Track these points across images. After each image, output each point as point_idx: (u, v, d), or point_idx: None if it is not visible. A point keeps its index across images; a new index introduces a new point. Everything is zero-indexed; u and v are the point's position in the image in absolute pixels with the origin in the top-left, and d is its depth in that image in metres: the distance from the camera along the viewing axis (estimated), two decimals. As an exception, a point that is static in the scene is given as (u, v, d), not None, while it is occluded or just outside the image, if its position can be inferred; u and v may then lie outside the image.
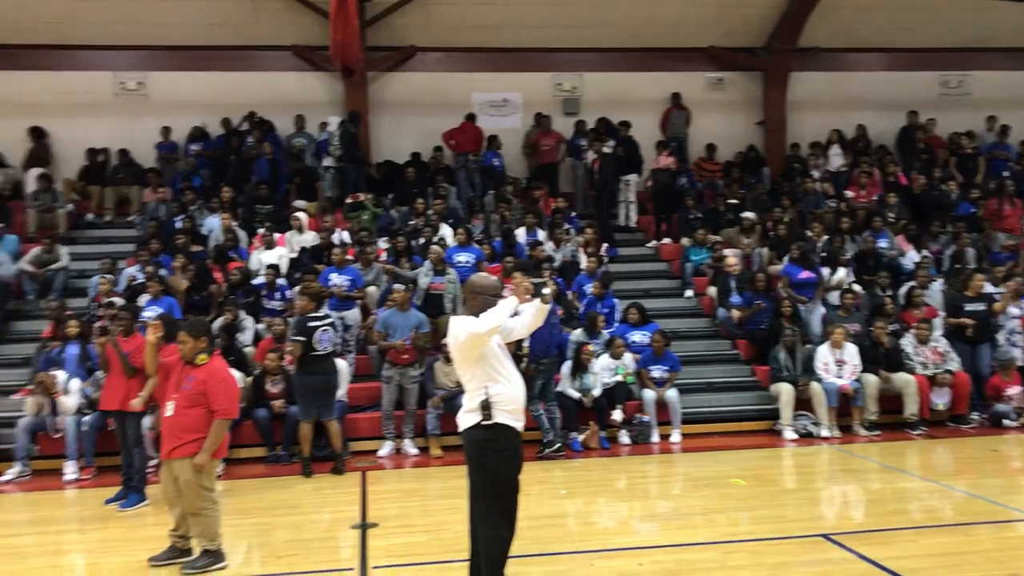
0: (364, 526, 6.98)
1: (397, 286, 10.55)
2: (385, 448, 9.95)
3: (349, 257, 11.88)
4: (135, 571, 6.08)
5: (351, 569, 5.93)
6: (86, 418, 9.41)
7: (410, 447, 10.00)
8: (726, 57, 16.68)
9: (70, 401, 9.47)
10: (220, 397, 6.01)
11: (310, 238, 12.97)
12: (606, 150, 14.39)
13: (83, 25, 14.85)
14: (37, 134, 15.07)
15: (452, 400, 9.77)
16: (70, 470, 9.26)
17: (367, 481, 8.70)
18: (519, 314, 4.82)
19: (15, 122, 14.99)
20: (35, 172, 14.53)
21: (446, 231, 13.06)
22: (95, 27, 14.90)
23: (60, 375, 9.61)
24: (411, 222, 13.46)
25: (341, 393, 9.86)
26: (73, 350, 10.00)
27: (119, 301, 10.62)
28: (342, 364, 10.06)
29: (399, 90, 16.08)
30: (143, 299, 10.76)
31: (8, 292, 12.20)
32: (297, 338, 9.03)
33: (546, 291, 4.77)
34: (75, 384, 9.62)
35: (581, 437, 9.97)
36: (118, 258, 12.46)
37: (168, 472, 6.06)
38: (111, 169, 15.17)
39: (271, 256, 12.31)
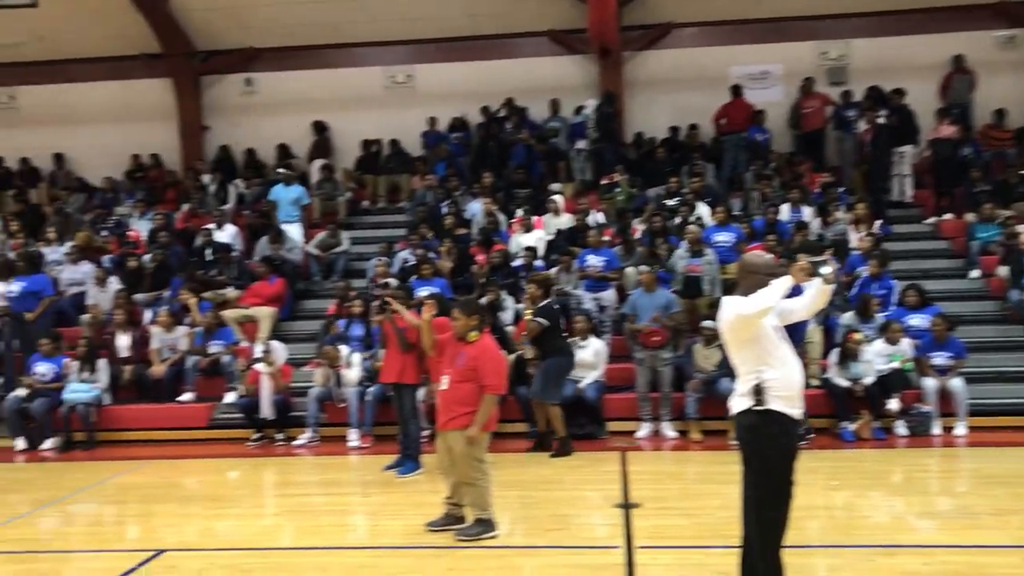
0: (626, 506, 6.99)
1: (643, 267, 10.48)
2: (643, 429, 9.92)
3: (605, 238, 11.95)
4: (413, 534, 6.42)
5: (616, 547, 5.94)
6: (368, 389, 10.14)
7: (668, 430, 9.89)
8: (1019, 12, 14.98)
9: (352, 374, 10.25)
10: (490, 373, 6.23)
11: (566, 220, 13.17)
12: (879, 120, 13.41)
13: (356, 24, 15.93)
14: (319, 128, 16.37)
15: (712, 384, 9.59)
16: (353, 437, 10.02)
17: (626, 461, 8.70)
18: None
19: (300, 118, 16.35)
20: (318, 163, 15.81)
21: (703, 210, 12.77)
22: (366, 26, 15.94)
23: (343, 349, 10.43)
24: (667, 202, 13.28)
25: (599, 373, 9.97)
26: (355, 326, 10.84)
27: (393, 282, 11.34)
28: (599, 344, 10.15)
29: (654, 68, 15.89)
30: (415, 280, 11.42)
31: (297, 274, 13.40)
32: (540, 320, 9.20)
33: (826, 270, 4.49)
34: (356, 358, 10.40)
35: (853, 427, 9.40)
36: (392, 241, 13.31)
37: (443, 442, 6.37)
38: (383, 159, 16.20)
39: (529, 239, 12.62)
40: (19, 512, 7.79)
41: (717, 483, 7.88)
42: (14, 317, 11.52)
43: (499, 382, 6.31)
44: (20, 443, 10.46)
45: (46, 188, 16.51)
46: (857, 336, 9.73)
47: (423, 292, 10.15)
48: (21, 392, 10.56)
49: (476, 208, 13.82)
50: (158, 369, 11.07)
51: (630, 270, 11.40)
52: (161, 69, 16.54)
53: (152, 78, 16.63)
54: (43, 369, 10.75)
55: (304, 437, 10.21)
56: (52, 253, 13.21)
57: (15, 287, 11.62)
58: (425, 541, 6.24)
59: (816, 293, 4.56)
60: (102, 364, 10.82)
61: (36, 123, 16.96)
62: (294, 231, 13.78)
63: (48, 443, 10.44)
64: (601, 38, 14.27)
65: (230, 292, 12.22)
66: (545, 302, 9.38)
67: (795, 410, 4.49)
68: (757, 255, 4.80)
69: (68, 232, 14.02)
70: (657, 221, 12.18)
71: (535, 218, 13.21)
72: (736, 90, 15.06)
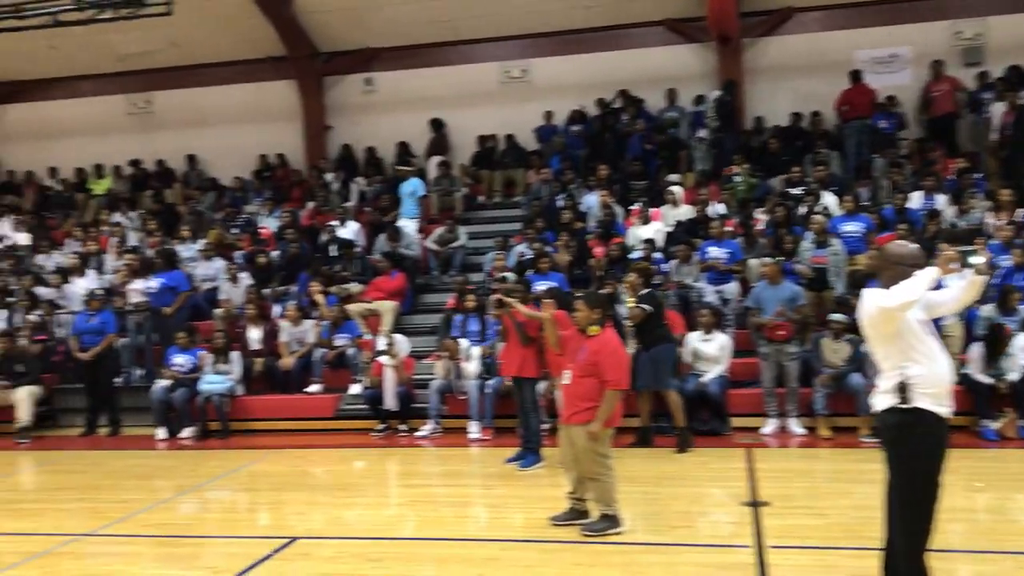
0: (755, 504, 6.81)
1: (766, 259, 10.21)
2: (769, 426, 9.66)
3: (728, 229, 11.69)
4: (536, 528, 6.41)
5: (746, 547, 5.80)
6: (487, 382, 10.21)
7: (795, 426, 9.60)
8: None
9: (471, 367, 10.35)
10: (611, 368, 6.15)
11: (685, 212, 12.96)
12: (1021, 102, 12.65)
13: (471, 21, 16.06)
14: (436, 125, 16.58)
15: (841, 379, 9.27)
16: (473, 429, 10.11)
17: (752, 458, 8.48)
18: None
19: (418, 115, 16.58)
20: (435, 160, 16.01)
21: (829, 199, 12.33)
22: (482, 21, 16.05)
23: (463, 342, 10.54)
24: (791, 191, 12.89)
25: (723, 368, 9.77)
26: (472, 320, 10.94)
27: (511, 276, 11.41)
28: (724, 338, 9.94)
29: (775, 55, 15.47)
30: (532, 274, 11.43)
31: (416, 268, 13.62)
32: (644, 306, 9.13)
33: (976, 260, 4.24)
34: (476, 351, 10.49)
35: (996, 425, 8.91)
36: (507, 236, 13.38)
37: (566, 436, 6.35)
38: (498, 153, 16.29)
39: (647, 231, 12.46)
40: (162, 497, 8.20)
41: (848, 482, 7.63)
42: (153, 311, 12.13)
43: (620, 377, 6.21)
44: (161, 432, 11.00)
45: (180, 188, 17.29)
46: (1009, 330, 9.21)
47: (541, 286, 10.18)
48: (165, 383, 11.09)
49: (592, 201, 13.74)
50: (287, 361, 11.45)
51: (753, 262, 11.13)
52: (286, 71, 17.09)
53: (278, 80, 17.22)
54: (181, 361, 11.25)
55: (426, 428, 10.37)
56: (186, 250, 13.83)
57: (153, 283, 12.22)
58: (548, 535, 6.23)
59: (967, 285, 4.30)
60: (235, 356, 11.27)
61: (170, 126, 17.85)
62: (410, 227, 14.04)
63: (186, 432, 10.95)
64: (720, 26, 13.96)
65: (353, 287, 12.52)
66: (647, 290, 9.27)
67: (943, 408, 4.26)
68: (901, 244, 4.56)
69: (201, 230, 14.66)
70: (780, 211, 11.84)
71: (652, 210, 13.03)
72: (855, 75, 14.48)
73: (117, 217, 15.81)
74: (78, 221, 16.35)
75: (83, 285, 13.08)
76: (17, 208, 17.18)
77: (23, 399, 11.43)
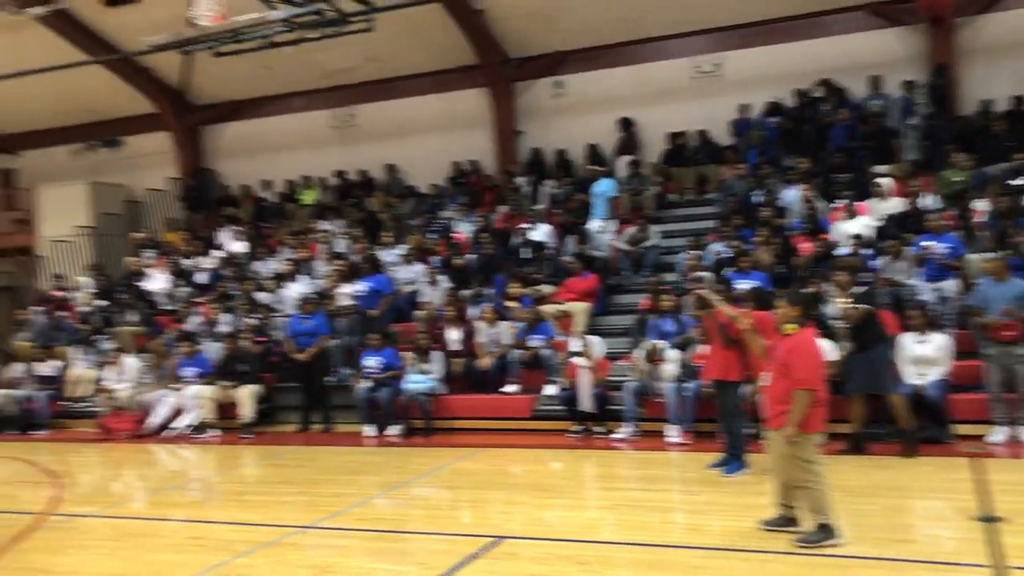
0: (989, 519, 6.27)
1: (989, 254, 9.44)
2: (997, 434, 8.91)
3: (945, 222, 10.89)
4: (742, 537, 6.19)
5: (983, 566, 5.34)
6: (685, 385, 10.01)
7: (1030, 435, 8.82)
8: None
9: (669, 368, 10.18)
10: (800, 367, 5.88)
11: (894, 204, 12.20)
12: None
13: (661, 16, 15.81)
14: (625, 124, 16.44)
15: (1083, 384, 8.42)
16: (672, 433, 9.94)
17: (979, 469, 7.83)
18: None
19: (607, 115, 16.51)
20: (625, 159, 15.89)
21: (1063, 187, 11.26)
22: (671, 17, 15.78)
23: (660, 344, 10.39)
24: (1013, 182, 11.84)
25: (943, 370, 9.11)
26: (668, 320, 10.76)
27: (706, 275, 11.13)
28: (942, 339, 9.27)
29: (993, 32, 14.29)
30: (732, 272, 11.10)
31: (607, 269, 13.56)
32: (864, 305, 8.72)
33: None
34: (672, 353, 10.30)
35: None
36: (700, 234, 13.06)
37: (773, 441, 6.13)
38: (689, 150, 15.95)
39: (854, 226, 11.82)
40: (372, 493, 8.57)
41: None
42: (360, 313, 12.74)
43: (808, 376, 5.88)
44: (369, 429, 11.52)
45: (381, 196, 18.03)
46: None
47: (742, 285, 9.87)
48: (368, 383, 11.60)
49: (791, 196, 13.19)
50: (484, 362, 11.70)
51: (973, 257, 10.31)
52: (478, 79, 17.48)
53: (470, 88, 17.63)
54: (371, 362, 11.72)
55: (623, 431, 10.29)
56: (388, 255, 14.41)
57: (360, 287, 12.82)
58: (754, 545, 5.98)
59: None
60: (436, 356, 11.64)
61: (371, 137, 18.68)
62: (600, 227, 14.04)
63: (392, 429, 11.40)
64: (932, 6, 13.01)
65: (545, 288, 12.63)
66: (863, 288, 8.80)
67: None
68: None
69: (402, 236, 15.24)
70: (1004, 202, 10.90)
71: (858, 203, 12.34)
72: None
73: (325, 225, 16.68)
74: (290, 230, 17.40)
75: (296, 290, 13.90)
76: (236, 219, 18.54)
77: (246, 397, 12.29)
